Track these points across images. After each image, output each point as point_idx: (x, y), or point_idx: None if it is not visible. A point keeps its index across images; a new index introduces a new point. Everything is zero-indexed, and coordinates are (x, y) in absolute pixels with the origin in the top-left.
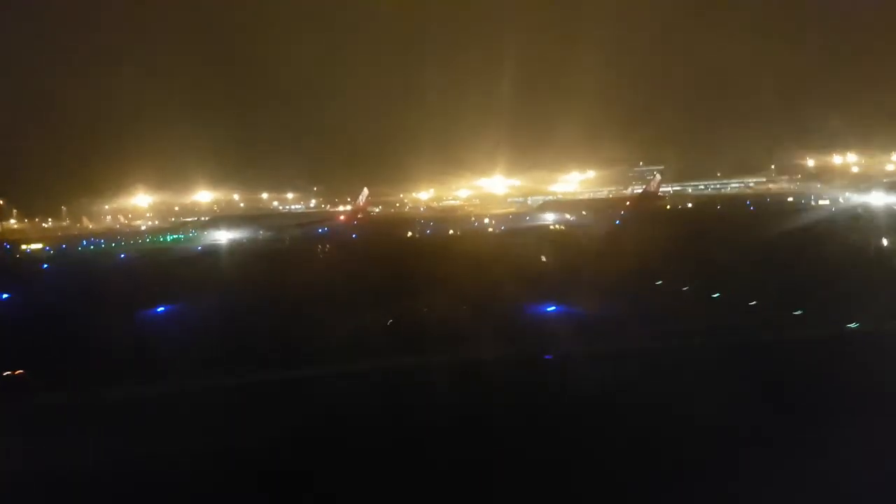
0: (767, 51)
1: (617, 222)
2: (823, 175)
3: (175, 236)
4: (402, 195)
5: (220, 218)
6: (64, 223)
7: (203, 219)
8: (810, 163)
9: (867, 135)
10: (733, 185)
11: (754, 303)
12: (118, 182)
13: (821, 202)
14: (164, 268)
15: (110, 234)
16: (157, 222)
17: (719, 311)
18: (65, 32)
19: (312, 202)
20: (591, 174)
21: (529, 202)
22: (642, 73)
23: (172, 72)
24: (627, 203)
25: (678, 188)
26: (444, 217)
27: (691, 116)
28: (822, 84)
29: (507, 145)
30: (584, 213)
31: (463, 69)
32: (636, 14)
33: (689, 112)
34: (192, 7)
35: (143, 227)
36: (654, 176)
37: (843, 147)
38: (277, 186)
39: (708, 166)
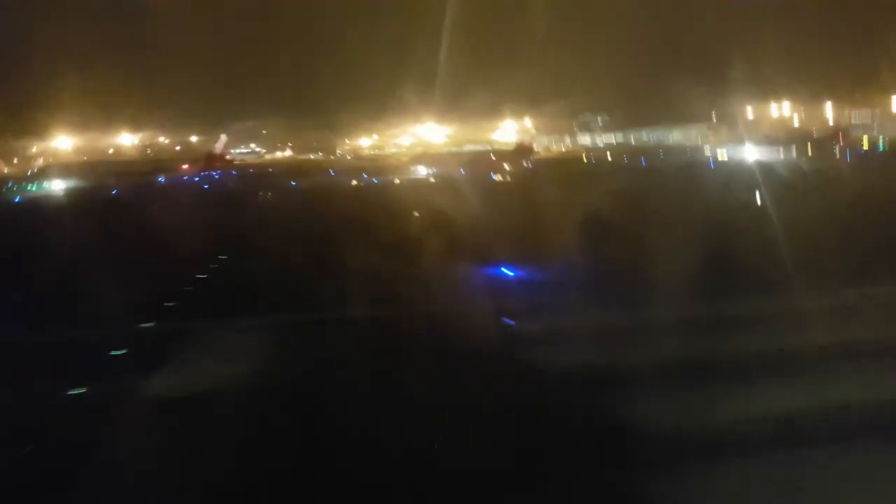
0: None
1: (492, 176)
2: (754, 125)
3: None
4: (347, 141)
5: (63, 166)
6: None
7: (36, 168)
8: (749, 112)
9: (806, 84)
10: (675, 135)
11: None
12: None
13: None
14: None
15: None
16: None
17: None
18: None
19: (253, 146)
20: (528, 122)
21: (465, 150)
22: (587, 16)
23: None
24: (493, 157)
25: (620, 139)
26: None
27: (638, 63)
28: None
29: (445, 92)
30: (454, 165)
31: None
32: None
33: (635, 59)
34: None
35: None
36: (530, 130)
37: (783, 96)
38: (212, 129)
39: (654, 115)
